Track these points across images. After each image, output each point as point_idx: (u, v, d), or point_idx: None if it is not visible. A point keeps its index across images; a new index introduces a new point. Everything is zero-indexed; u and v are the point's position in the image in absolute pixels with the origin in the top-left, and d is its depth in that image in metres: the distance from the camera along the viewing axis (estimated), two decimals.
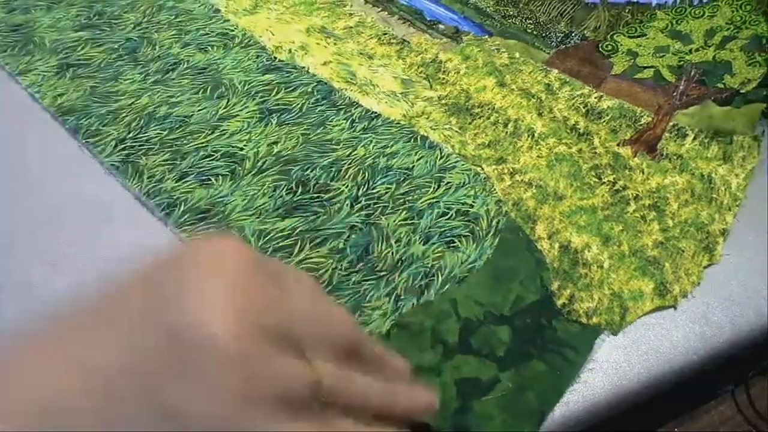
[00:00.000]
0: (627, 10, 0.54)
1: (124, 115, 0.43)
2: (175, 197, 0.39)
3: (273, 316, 0.24)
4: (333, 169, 0.41)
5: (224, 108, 0.44)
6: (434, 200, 0.39)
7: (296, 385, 0.24)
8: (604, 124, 0.45)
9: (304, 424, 0.24)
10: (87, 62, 0.46)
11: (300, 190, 0.39)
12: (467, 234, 0.38)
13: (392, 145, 0.42)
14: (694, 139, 0.45)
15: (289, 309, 0.25)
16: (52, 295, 0.34)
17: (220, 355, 0.22)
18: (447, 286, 0.35)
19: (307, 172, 0.40)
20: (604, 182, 0.42)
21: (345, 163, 0.41)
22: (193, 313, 0.22)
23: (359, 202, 0.39)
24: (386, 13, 0.54)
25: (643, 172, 0.42)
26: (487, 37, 0.52)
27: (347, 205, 0.39)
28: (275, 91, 0.45)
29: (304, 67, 0.47)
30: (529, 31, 0.53)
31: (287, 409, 0.24)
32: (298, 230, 0.37)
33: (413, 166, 0.41)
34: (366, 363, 0.27)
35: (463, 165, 0.42)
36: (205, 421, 0.22)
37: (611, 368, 0.34)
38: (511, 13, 0.54)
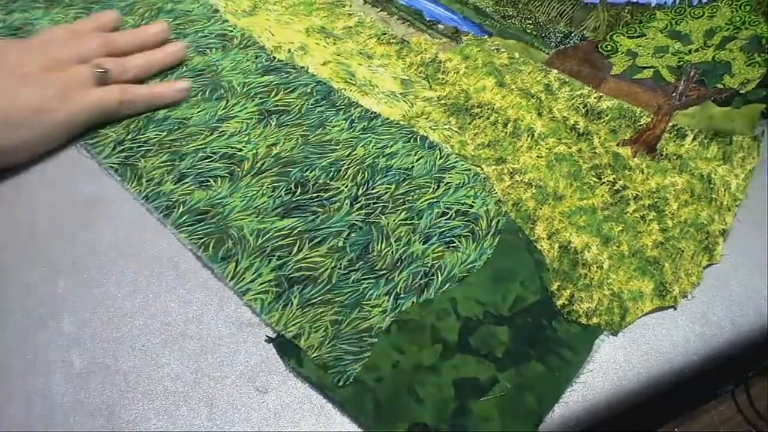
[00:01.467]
0: (626, 11, 0.54)
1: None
2: (173, 199, 0.39)
3: (60, 52, 0.42)
4: (332, 170, 0.40)
5: (223, 109, 0.44)
6: (434, 200, 0.39)
7: (89, 74, 0.41)
8: (604, 124, 0.45)
9: (108, 87, 0.42)
10: None
11: (299, 191, 0.39)
12: (467, 234, 0.38)
13: (392, 145, 0.42)
14: (694, 139, 0.45)
15: (67, 46, 0.42)
16: (52, 296, 0.34)
17: (42, 68, 0.40)
18: (447, 286, 0.35)
19: (306, 173, 0.40)
20: (604, 182, 0.42)
21: (344, 164, 0.41)
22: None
23: (359, 202, 0.39)
24: (385, 13, 0.54)
25: (642, 173, 0.42)
26: (486, 37, 0.52)
27: (347, 204, 0.39)
28: (274, 92, 0.45)
29: (303, 67, 0.47)
30: (529, 31, 0.53)
31: (93, 87, 0.41)
32: (297, 230, 0.37)
33: (413, 166, 0.41)
34: (128, 50, 0.45)
35: (462, 165, 0.42)
36: (43, 94, 0.39)
37: (611, 368, 0.34)
38: (511, 13, 0.55)
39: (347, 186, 0.40)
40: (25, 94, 0.39)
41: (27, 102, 0.39)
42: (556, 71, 0.49)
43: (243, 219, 0.38)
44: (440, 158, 0.42)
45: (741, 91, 0.47)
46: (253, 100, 0.44)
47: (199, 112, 0.43)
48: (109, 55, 0.44)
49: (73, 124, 0.41)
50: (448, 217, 0.39)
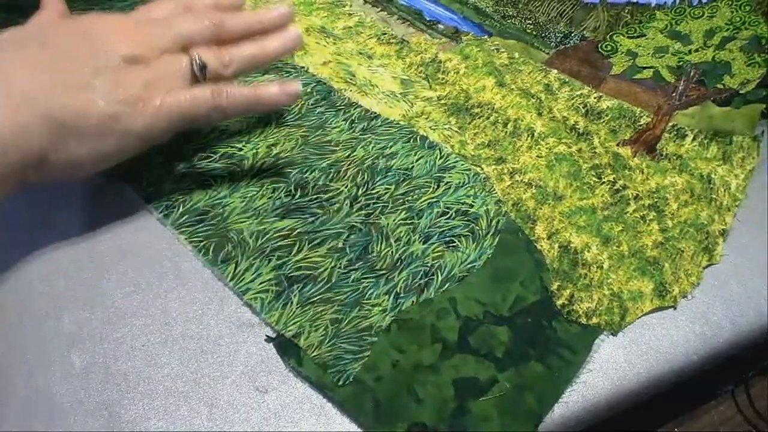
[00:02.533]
0: (626, 11, 0.54)
1: None
2: (173, 199, 0.39)
3: (155, 35, 0.35)
4: (332, 171, 0.40)
5: None
6: (434, 200, 0.39)
7: (182, 68, 0.35)
8: (604, 124, 0.45)
9: (198, 89, 0.35)
10: None
11: (298, 193, 0.39)
12: (467, 234, 0.38)
13: (392, 146, 0.42)
14: (694, 139, 0.45)
15: (166, 25, 0.35)
16: (52, 295, 0.34)
17: (125, 58, 0.33)
18: (447, 285, 0.35)
19: (306, 174, 0.40)
20: (604, 182, 0.42)
21: (344, 165, 0.41)
22: (103, 40, 0.34)
23: (358, 203, 0.39)
24: (385, 13, 0.54)
25: (642, 173, 0.42)
26: (486, 37, 0.52)
27: (346, 205, 0.39)
28: None
29: (303, 67, 0.47)
30: (529, 31, 0.53)
31: (182, 84, 0.35)
32: (296, 231, 0.37)
33: (413, 167, 0.41)
34: (238, 35, 0.37)
35: (462, 165, 0.42)
36: (117, 98, 0.32)
37: (611, 368, 0.34)
38: (511, 13, 0.55)
39: (347, 187, 0.40)
40: (98, 96, 0.32)
41: (99, 107, 0.32)
42: (556, 71, 0.49)
43: (242, 222, 0.38)
44: (440, 158, 0.42)
45: (741, 91, 0.47)
46: None
47: None
48: (215, 42, 0.37)
49: (152, 133, 0.35)
50: (448, 216, 0.39)
